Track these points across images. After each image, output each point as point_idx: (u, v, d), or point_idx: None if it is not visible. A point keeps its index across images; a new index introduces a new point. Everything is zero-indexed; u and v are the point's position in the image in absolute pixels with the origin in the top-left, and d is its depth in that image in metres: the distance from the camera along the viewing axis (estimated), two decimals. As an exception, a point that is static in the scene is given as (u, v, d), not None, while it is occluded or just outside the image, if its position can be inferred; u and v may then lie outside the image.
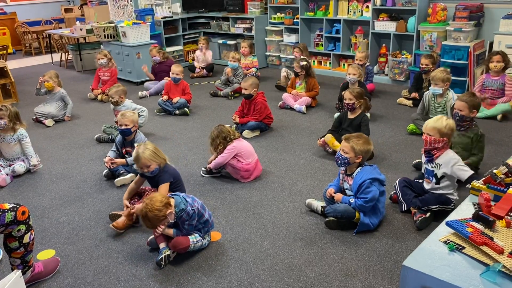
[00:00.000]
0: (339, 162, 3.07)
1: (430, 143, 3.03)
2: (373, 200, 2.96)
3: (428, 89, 4.70)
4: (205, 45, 7.55)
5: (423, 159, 3.21)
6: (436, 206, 3.07)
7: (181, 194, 2.85)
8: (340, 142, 4.15)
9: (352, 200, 3.02)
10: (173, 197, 2.79)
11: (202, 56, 7.59)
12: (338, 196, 3.12)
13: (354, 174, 3.06)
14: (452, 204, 3.08)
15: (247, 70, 6.85)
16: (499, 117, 4.95)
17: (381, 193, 3.04)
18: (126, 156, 3.96)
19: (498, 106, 5.01)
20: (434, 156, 3.08)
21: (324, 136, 4.30)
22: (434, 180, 3.12)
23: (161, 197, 2.70)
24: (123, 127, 3.88)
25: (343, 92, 4.51)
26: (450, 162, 3.01)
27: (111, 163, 3.86)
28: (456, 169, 3.00)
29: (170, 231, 2.81)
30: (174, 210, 2.73)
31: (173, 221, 2.76)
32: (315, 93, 5.69)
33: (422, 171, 3.29)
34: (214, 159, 3.86)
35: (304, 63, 5.62)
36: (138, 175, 3.35)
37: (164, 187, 3.16)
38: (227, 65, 6.45)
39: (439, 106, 4.59)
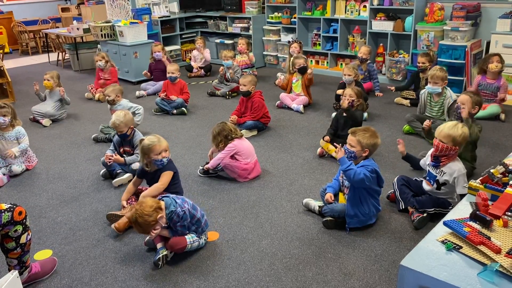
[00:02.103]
0: (346, 156, 3.00)
1: (442, 150, 2.94)
2: (369, 179, 2.86)
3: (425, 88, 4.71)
4: (202, 44, 7.54)
5: (427, 160, 3.17)
6: (432, 209, 3.06)
7: (171, 196, 2.85)
8: (337, 144, 4.17)
9: (350, 167, 2.89)
10: (163, 199, 2.79)
11: (200, 55, 7.58)
12: (341, 153, 2.96)
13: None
14: (450, 207, 3.05)
15: (244, 69, 6.85)
16: (502, 117, 4.97)
17: (376, 191, 3.02)
18: (124, 155, 3.96)
19: (490, 107, 5.02)
20: (441, 163, 3.01)
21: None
22: (435, 185, 3.09)
23: (151, 201, 2.70)
24: (119, 134, 3.90)
25: (343, 90, 4.49)
26: (455, 173, 2.96)
27: (109, 159, 3.83)
28: (458, 181, 2.95)
29: (166, 232, 2.81)
30: (165, 212, 2.73)
31: (165, 225, 2.76)
32: (310, 81, 5.61)
33: (423, 166, 3.26)
34: (211, 154, 3.91)
35: (305, 56, 5.84)
36: (136, 176, 3.36)
37: (167, 175, 3.17)
38: (223, 65, 6.49)
39: (436, 105, 4.60)
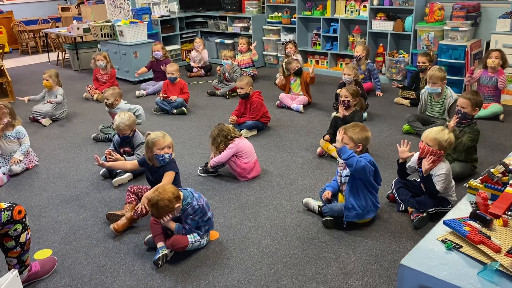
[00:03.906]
0: (340, 154, 3.03)
1: (427, 153, 2.98)
2: (366, 168, 2.85)
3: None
4: (200, 45, 7.54)
5: (410, 161, 3.19)
6: (433, 209, 3.06)
7: (189, 189, 2.86)
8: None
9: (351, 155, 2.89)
10: (181, 191, 2.80)
11: (199, 56, 7.58)
12: (341, 143, 2.99)
13: None
14: (450, 206, 3.07)
15: (245, 68, 6.86)
16: (501, 117, 4.97)
17: (374, 188, 3.02)
18: (124, 156, 3.95)
19: (492, 106, 5.02)
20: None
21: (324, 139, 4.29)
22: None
23: (173, 189, 2.71)
24: (121, 136, 3.92)
25: (339, 90, 4.51)
26: (437, 172, 3.01)
27: (109, 157, 3.81)
28: (436, 177, 3.00)
29: (173, 225, 2.80)
30: (182, 203, 2.74)
31: (178, 214, 2.76)
32: (312, 80, 5.59)
33: (409, 170, 3.26)
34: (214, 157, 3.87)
35: (297, 58, 5.94)
36: (137, 161, 3.41)
37: (170, 175, 3.18)
38: (221, 64, 6.50)
39: (436, 105, 4.60)
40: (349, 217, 3.00)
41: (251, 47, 6.95)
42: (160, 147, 3.15)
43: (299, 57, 6.47)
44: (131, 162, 3.47)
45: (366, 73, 6.03)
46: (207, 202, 2.90)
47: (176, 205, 2.69)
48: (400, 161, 3.21)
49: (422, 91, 4.76)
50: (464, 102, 3.66)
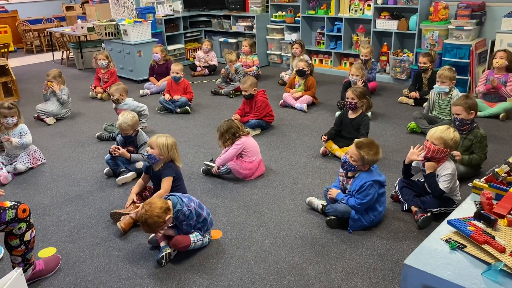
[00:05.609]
0: (345, 167, 3.03)
1: (433, 152, 2.97)
2: (368, 204, 2.95)
3: (428, 88, 4.70)
4: (209, 47, 7.54)
5: (416, 162, 3.18)
6: (437, 209, 3.06)
7: (177, 194, 2.84)
8: (339, 143, 4.16)
9: (343, 200, 3.03)
10: (169, 199, 2.78)
11: (205, 57, 7.59)
12: (334, 191, 3.12)
13: (356, 175, 3.04)
14: (454, 205, 3.06)
15: (247, 68, 6.86)
16: (501, 116, 4.93)
17: (381, 194, 3.02)
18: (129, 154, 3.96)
19: (500, 104, 5.00)
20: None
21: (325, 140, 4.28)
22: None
23: (160, 202, 2.69)
24: (124, 135, 3.93)
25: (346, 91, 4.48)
26: (442, 173, 3.00)
27: (115, 151, 3.82)
28: (443, 177, 2.99)
29: (171, 231, 2.81)
30: (172, 212, 2.73)
31: (171, 224, 2.76)
32: (311, 93, 5.68)
33: (413, 171, 3.24)
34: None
35: (311, 61, 5.93)
36: (144, 173, 3.39)
37: (167, 181, 3.18)
38: (226, 66, 6.51)
39: (443, 103, 4.59)
40: (354, 227, 3.01)
41: (251, 57, 6.99)
42: (147, 145, 3.27)
43: (306, 57, 6.44)
44: (143, 177, 3.41)
45: (369, 71, 6.02)
46: (199, 203, 2.88)
47: (167, 217, 2.66)
48: (406, 162, 3.20)
49: (432, 90, 4.75)
50: (457, 108, 3.63)
